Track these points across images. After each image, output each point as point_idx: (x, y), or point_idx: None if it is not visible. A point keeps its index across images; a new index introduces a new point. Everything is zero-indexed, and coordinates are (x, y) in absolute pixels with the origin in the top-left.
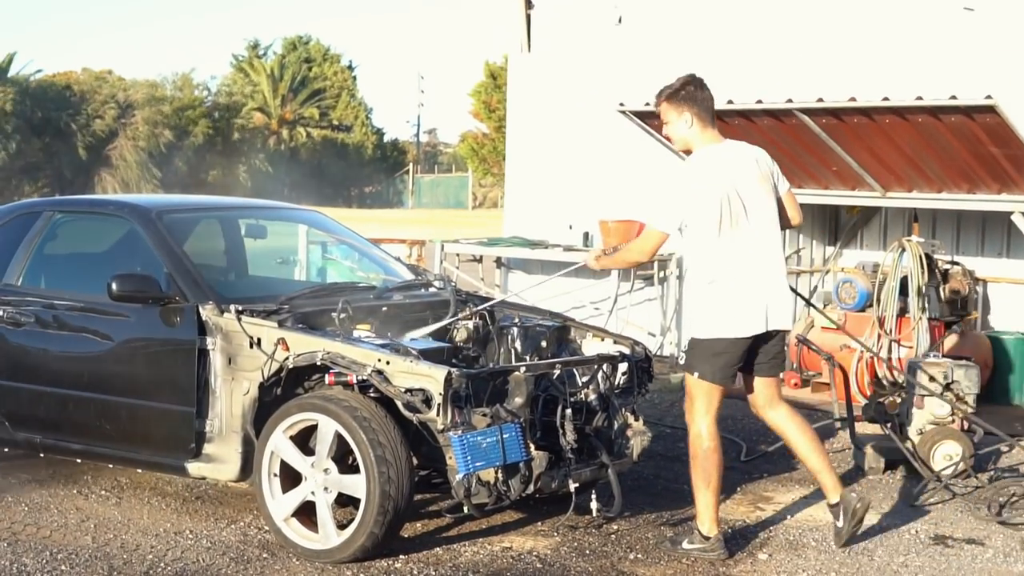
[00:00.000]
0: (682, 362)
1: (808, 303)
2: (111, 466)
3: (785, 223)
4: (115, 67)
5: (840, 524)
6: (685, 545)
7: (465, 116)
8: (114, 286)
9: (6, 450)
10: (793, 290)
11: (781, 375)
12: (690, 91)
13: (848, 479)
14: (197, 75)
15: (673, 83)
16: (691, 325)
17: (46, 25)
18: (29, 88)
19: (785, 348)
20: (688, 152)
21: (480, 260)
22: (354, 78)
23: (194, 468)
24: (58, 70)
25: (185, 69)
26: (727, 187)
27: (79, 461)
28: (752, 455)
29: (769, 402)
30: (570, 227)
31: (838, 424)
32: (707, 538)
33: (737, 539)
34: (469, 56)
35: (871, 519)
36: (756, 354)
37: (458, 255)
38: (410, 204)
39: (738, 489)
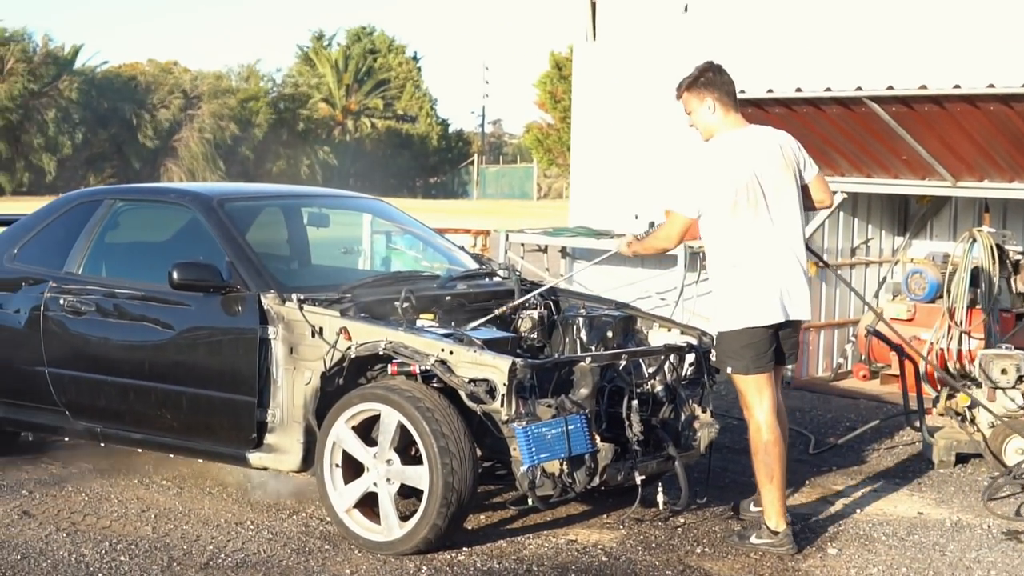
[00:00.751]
0: (713, 359)
1: (852, 290)
2: (172, 456)
3: (810, 205)
4: (180, 59)
5: (749, 532)
6: (753, 539)
7: (530, 107)
8: (175, 274)
9: (67, 439)
10: (838, 275)
11: (790, 368)
12: (710, 77)
13: (918, 473)
14: (262, 66)
15: (691, 73)
16: (714, 315)
17: (112, 18)
18: (95, 80)
19: (798, 339)
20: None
21: (545, 250)
22: (419, 69)
23: (255, 458)
24: (124, 62)
25: (250, 60)
26: (746, 172)
27: (140, 451)
28: (820, 447)
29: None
30: (636, 217)
31: (908, 416)
32: (775, 532)
33: (806, 533)
34: (534, 46)
35: (942, 513)
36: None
37: (523, 245)
38: (475, 195)
39: (806, 482)
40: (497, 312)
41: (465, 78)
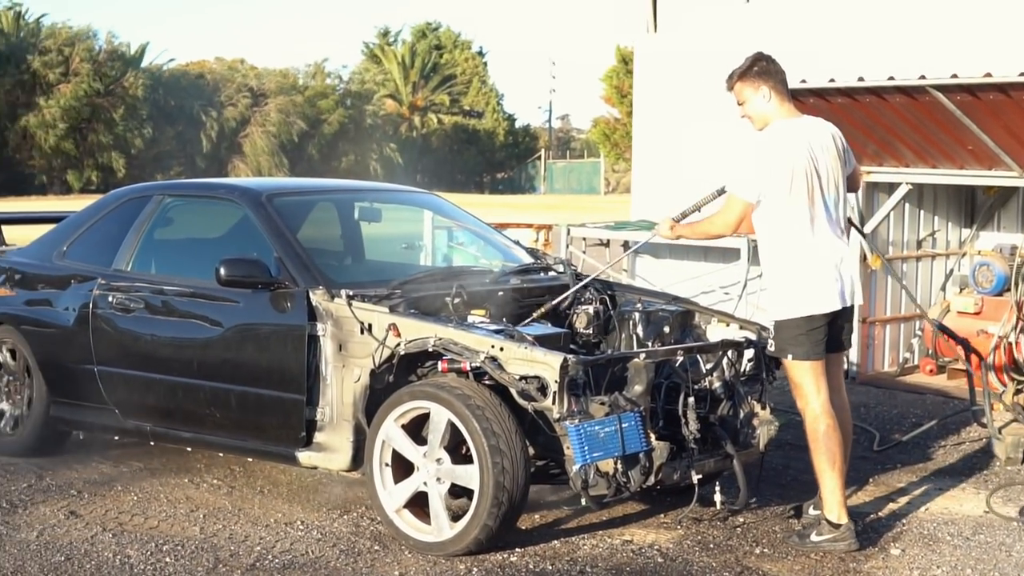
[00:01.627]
0: (770, 347)
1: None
2: (223, 455)
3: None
4: (247, 57)
5: (808, 531)
6: (813, 538)
7: (597, 101)
8: (222, 271)
9: (116, 438)
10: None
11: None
12: (763, 66)
13: (984, 470)
14: (329, 64)
15: (742, 63)
16: (770, 303)
17: (179, 16)
18: (162, 78)
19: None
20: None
21: (607, 244)
22: (484, 64)
23: (304, 457)
24: (191, 60)
25: (317, 59)
26: (805, 159)
27: (189, 450)
28: (885, 444)
29: (831, 381)
30: (699, 211)
31: (974, 412)
32: (836, 526)
33: (869, 533)
34: (600, 41)
35: (1009, 511)
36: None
37: (584, 239)
38: (542, 190)
39: (870, 480)
40: (543, 309)
41: (532, 73)
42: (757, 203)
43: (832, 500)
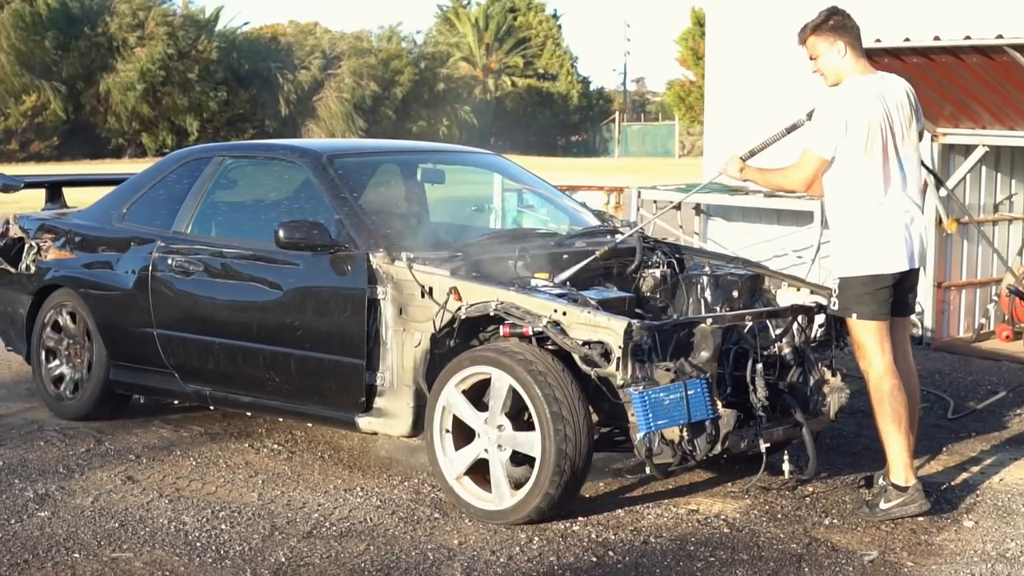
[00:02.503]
0: (833, 305)
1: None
2: (283, 420)
3: None
4: (321, 20)
5: (877, 500)
6: (883, 505)
7: (672, 64)
8: (281, 233)
9: (176, 403)
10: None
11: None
12: (838, 20)
13: None
14: (403, 28)
15: (815, 17)
16: (836, 261)
17: None
18: (236, 41)
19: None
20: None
21: (679, 207)
22: (559, 27)
23: (364, 423)
24: (265, 23)
25: (390, 22)
26: (880, 115)
27: (250, 414)
28: (960, 412)
29: (897, 347)
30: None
31: None
32: (903, 488)
33: (941, 503)
34: (675, 2)
35: None
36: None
37: (655, 202)
38: (616, 153)
39: (943, 449)
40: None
41: (606, 36)
42: (831, 160)
43: (898, 462)
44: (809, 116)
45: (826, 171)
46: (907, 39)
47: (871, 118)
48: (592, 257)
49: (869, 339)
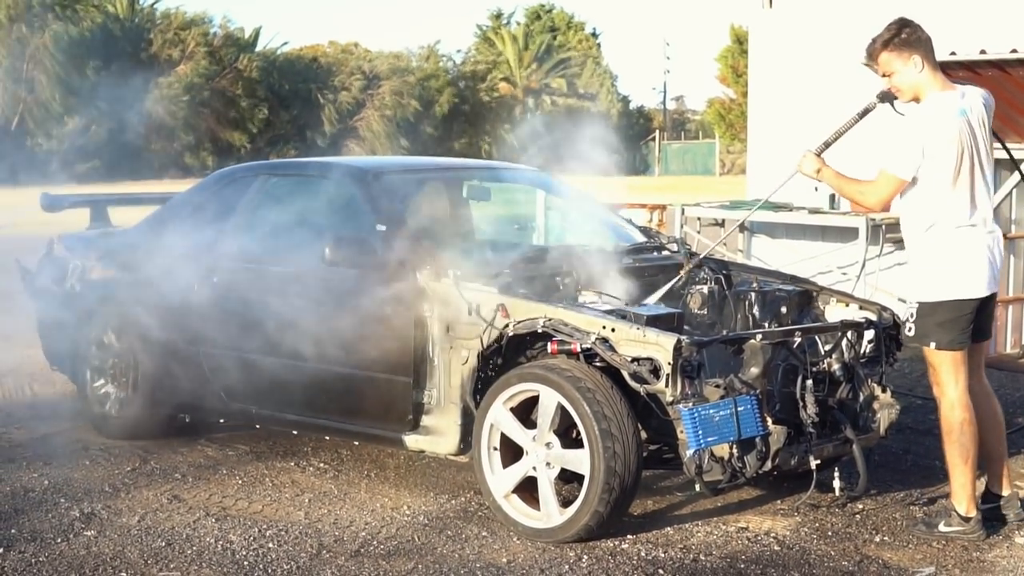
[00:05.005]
0: (910, 332)
1: None
2: (330, 438)
3: None
4: (360, 41)
5: (937, 520)
6: (942, 527)
7: (712, 82)
8: (328, 251)
9: (222, 421)
10: None
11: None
12: (911, 33)
13: None
14: (441, 47)
15: (884, 32)
16: (916, 286)
17: (293, 1)
18: (276, 61)
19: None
20: (917, 101)
21: (722, 224)
22: (598, 46)
23: (411, 441)
24: (304, 44)
25: (429, 42)
26: (967, 135)
27: (296, 433)
28: (1011, 428)
29: (974, 371)
30: (815, 189)
31: None
32: (966, 519)
33: (992, 521)
34: (715, 20)
35: None
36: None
37: (699, 219)
38: (657, 171)
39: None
40: (671, 285)
41: (646, 54)
42: (913, 181)
43: (962, 493)
44: (880, 98)
45: (906, 191)
46: (983, 51)
47: (955, 139)
48: (685, 271)
49: (945, 367)
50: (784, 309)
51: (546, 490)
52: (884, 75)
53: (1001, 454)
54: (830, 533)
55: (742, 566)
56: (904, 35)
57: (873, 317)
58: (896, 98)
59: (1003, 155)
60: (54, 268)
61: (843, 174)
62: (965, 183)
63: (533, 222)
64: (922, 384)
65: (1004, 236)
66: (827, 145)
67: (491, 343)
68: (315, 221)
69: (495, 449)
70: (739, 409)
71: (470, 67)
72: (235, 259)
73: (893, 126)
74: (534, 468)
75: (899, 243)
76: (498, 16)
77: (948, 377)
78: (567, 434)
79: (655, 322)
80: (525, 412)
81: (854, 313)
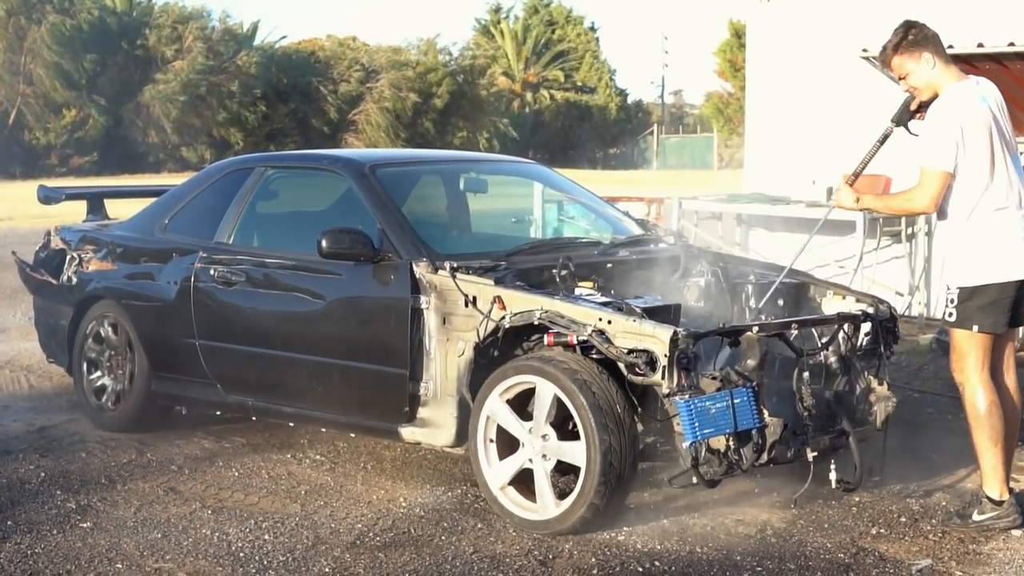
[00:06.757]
0: (950, 317)
1: None
2: (326, 430)
3: None
4: (359, 35)
5: (970, 511)
6: (976, 517)
7: (710, 76)
8: (324, 243)
9: (218, 413)
10: None
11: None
12: (917, 33)
13: None
14: (440, 41)
15: (892, 38)
16: (956, 271)
17: None
18: (275, 56)
19: None
20: (935, 97)
21: (720, 217)
22: (597, 40)
23: (408, 433)
24: (303, 38)
25: (428, 35)
26: (992, 122)
27: (292, 425)
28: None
29: (1000, 361)
30: (813, 182)
31: None
32: (999, 503)
33: None
34: (713, 14)
35: None
36: None
37: (696, 212)
38: (655, 165)
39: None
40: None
41: (644, 48)
42: (954, 173)
43: (993, 476)
44: (895, 122)
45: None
46: (980, 44)
47: (985, 123)
48: (779, 279)
49: (975, 352)
50: (781, 301)
51: (542, 482)
52: (900, 78)
53: (1006, 458)
54: (826, 525)
55: (738, 558)
56: (911, 36)
57: (870, 310)
58: (911, 119)
59: None
60: (51, 260)
61: (885, 196)
62: (1001, 166)
63: (530, 214)
64: (919, 377)
65: None
66: (856, 176)
67: (487, 335)
68: (312, 213)
69: (491, 441)
70: (735, 401)
71: (469, 61)
72: (232, 251)
73: (915, 125)
74: (530, 460)
75: (896, 236)
76: (497, 10)
77: (976, 362)
78: (563, 426)
79: (652, 314)
80: (521, 404)
81: (851, 306)
